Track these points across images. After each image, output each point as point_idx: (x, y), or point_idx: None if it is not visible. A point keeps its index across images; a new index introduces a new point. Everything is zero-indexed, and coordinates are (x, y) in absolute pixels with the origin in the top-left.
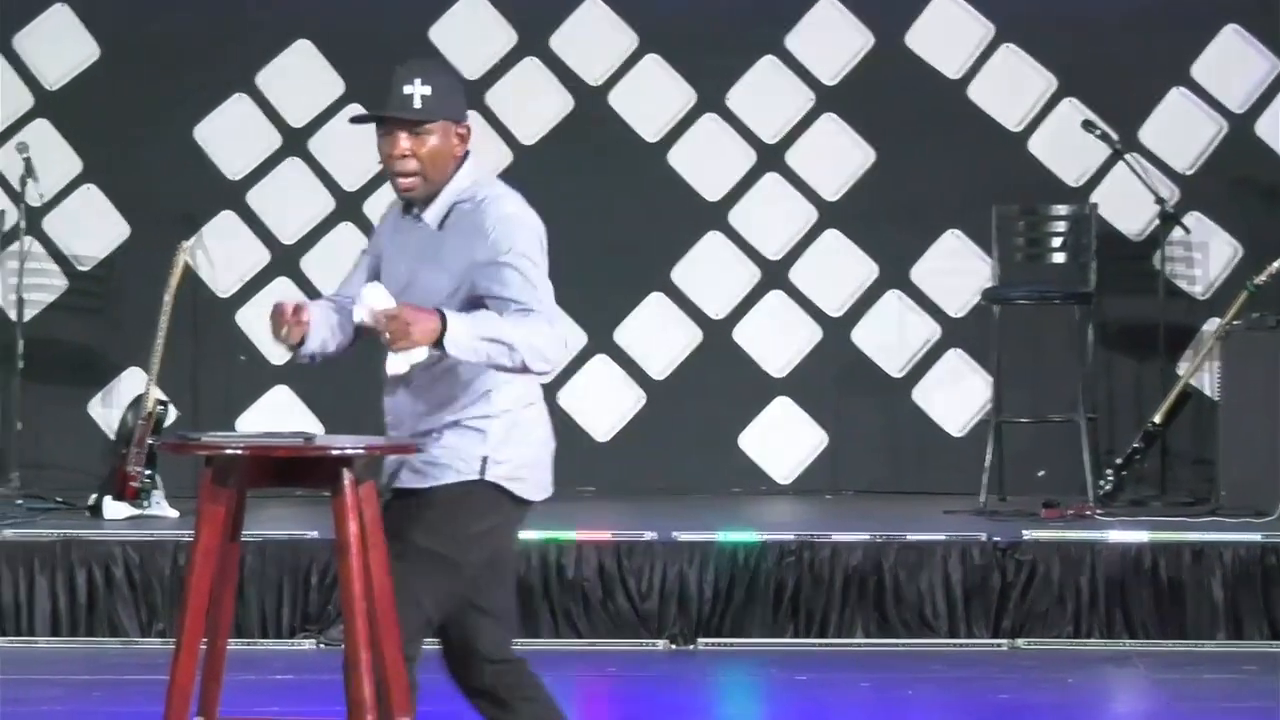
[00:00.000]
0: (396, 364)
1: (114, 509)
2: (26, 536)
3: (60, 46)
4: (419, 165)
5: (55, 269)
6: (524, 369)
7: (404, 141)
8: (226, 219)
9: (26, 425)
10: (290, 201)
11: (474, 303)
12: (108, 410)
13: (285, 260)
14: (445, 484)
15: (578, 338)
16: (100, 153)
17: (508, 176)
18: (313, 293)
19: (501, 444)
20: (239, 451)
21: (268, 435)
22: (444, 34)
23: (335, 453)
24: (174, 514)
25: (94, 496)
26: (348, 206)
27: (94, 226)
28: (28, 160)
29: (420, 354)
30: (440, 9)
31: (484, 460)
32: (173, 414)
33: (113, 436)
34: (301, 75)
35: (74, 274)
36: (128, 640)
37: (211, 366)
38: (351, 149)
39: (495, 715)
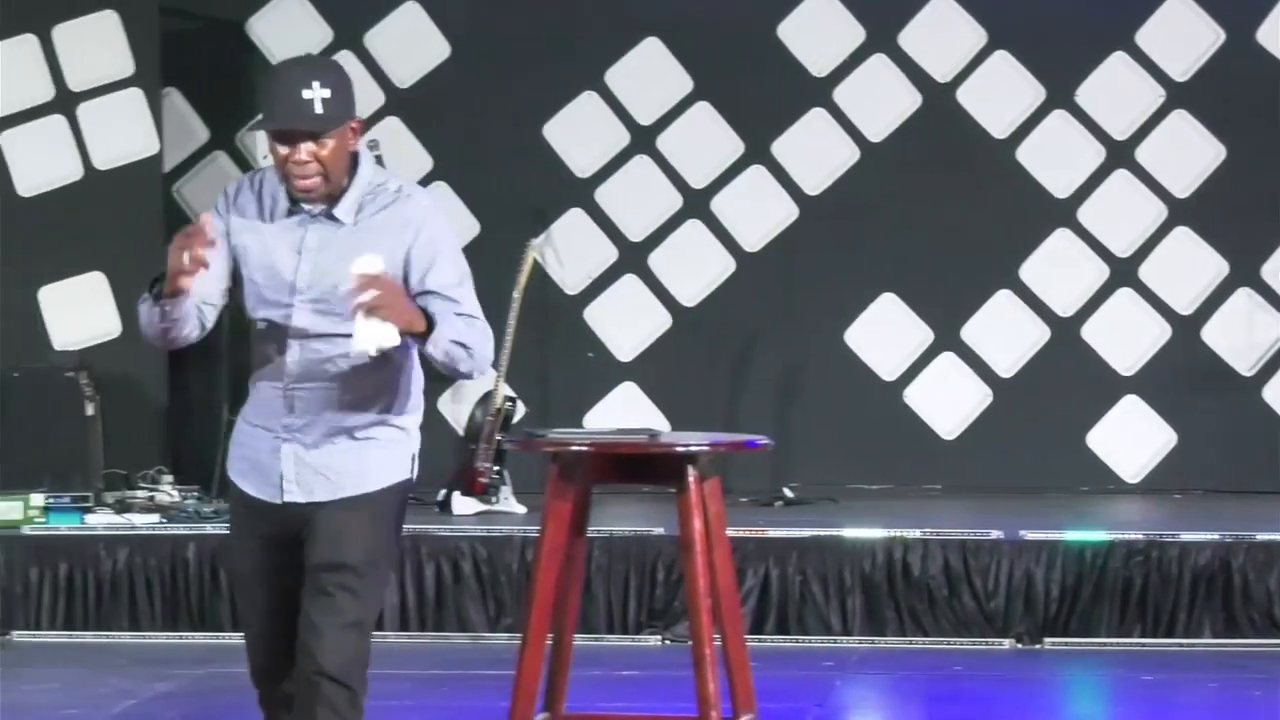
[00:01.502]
0: (363, 343)
1: (462, 505)
2: None
3: (411, 45)
4: (320, 168)
5: None
6: (468, 374)
7: (306, 147)
8: (575, 216)
9: None
10: (638, 198)
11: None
12: (457, 406)
13: (633, 257)
14: (381, 488)
15: None
16: (450, 150)
17: (856, 173)
18: (663, 291)
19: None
20: (585, 448)
21: (614, 432)
22: (792, 31)
23: (680, 450)
24: (521, 510)
25: (443, 492)
26: (695, 203)
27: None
28: (379, 158)
29: (391, 338)
30: (789, 6)
31: (412, 459)
32: (521, 410)
33: (461, 433)
34: (650, 72)
35: None
36: (475, 635)
37: (560, 363)
38: (699, 146)
39: None
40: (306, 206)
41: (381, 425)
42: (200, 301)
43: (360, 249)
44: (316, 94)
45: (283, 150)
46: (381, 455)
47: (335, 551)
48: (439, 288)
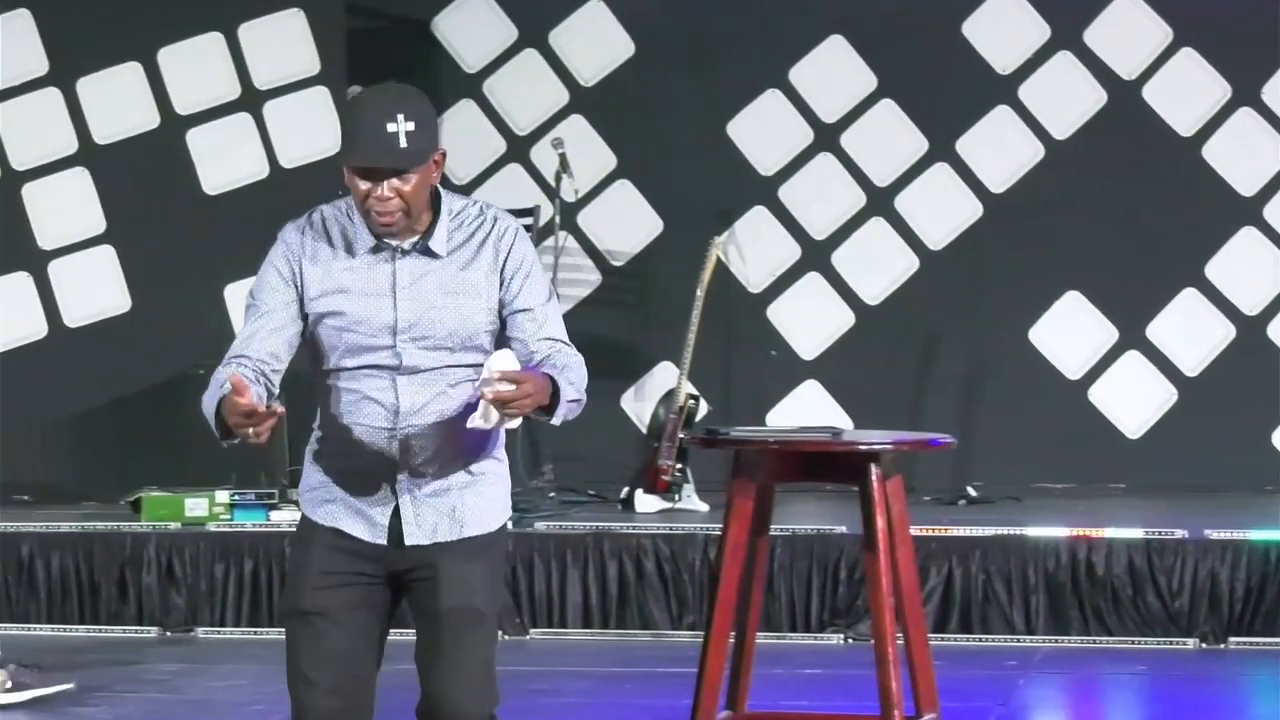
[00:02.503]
0: (479, 423)
1: (645, 502)
2: (559, 529)
3: (595, 43)
4: (403, 204)
5: (589, 264)
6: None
7: (390, 183)
8: (758, 214)
9: None
10: (821, 196)
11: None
12: (640, 404)
13: (816, 255)
14: (499, 527)
15: None
16: (634, 148)
17: (1040, 171)
18: (846, 289)
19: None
20: (767, 446)
21: (797, 430)
22: (977, 28)
23: (863, 448)
24: (704, 508)
25: (625, 489)
26: (879, 201)
27: (628, 222)
28: (563, 156)
29: (515, 421)
30: (974, 3)
31: (508, 506)
32: (704, 408)
33: (644, 430)
34: (834, 70)
35: (608, 269)
36: (658, 633)
37: (743, 361)
38: (883, 144)
39: None
40: (393, 241)
41: (489, 459)
42: (264, 365)
43: (456, 279)
44: (401, 127)
45: (363, 186)
46: (495, 492)
47: (468, 597)
48: (528, 305)
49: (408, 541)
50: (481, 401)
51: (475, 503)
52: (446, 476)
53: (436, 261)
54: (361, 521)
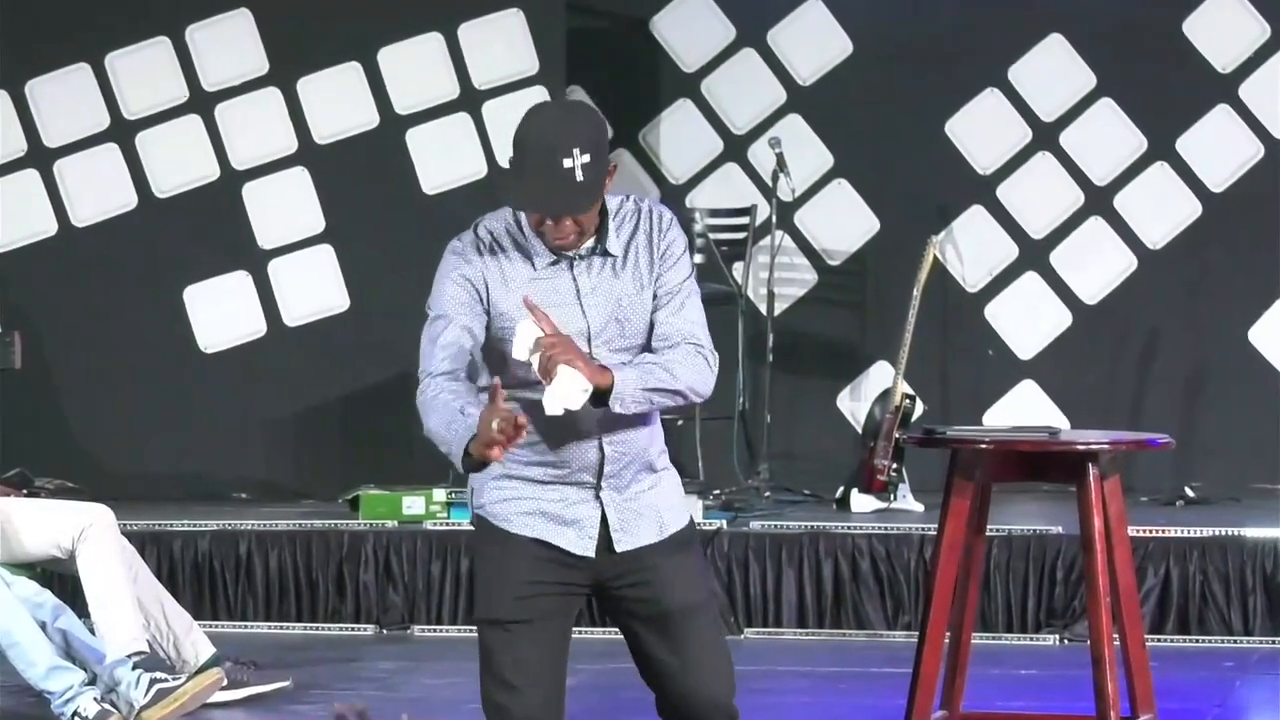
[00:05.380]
0: (552, 406)
1: (861, 502)
2: (774, 528)
3: (813, 42)
4: (578, 228)
5: (805, 263)
6: (683, 408)
7: (569, 219)
8: (976, 213)
9: (775, 418)
10: (1040, 195)
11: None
12: (855, 403)
13: (1034, 254)
14: (680, 529)
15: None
16: (851, 147)
17: (1260, 170)
18: (1064, 289)
19: None
20: (984, 445)
21: (1014, 430)
22: (1197, 27)
23: (1080, 447)
24: (920, 508)
25: (841, 489)
26: (1097, 200)
27: (844, 221)
28: (780, 155)
29: (579, 399)
30: (1195, 2)
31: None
32: (920, 408)
33: (860, 430)
34: (1052, 69)
35: (824, 268)
36: (873, 633)
37: (959, 360)
38: (1102, 143)
39: None
40: (568, 253)
41: (664, 455)
42: (461, 383)
43: (633, 275)
44: (577, 161)
45: (538, 220)
46: (679, 489)
47: (693, 590)
48: (669, 288)
49: (618, 548)
50: (547, 385)
51: (668, 500)
52: (641, 478)
53: (612, 261)
54: (567, 531)
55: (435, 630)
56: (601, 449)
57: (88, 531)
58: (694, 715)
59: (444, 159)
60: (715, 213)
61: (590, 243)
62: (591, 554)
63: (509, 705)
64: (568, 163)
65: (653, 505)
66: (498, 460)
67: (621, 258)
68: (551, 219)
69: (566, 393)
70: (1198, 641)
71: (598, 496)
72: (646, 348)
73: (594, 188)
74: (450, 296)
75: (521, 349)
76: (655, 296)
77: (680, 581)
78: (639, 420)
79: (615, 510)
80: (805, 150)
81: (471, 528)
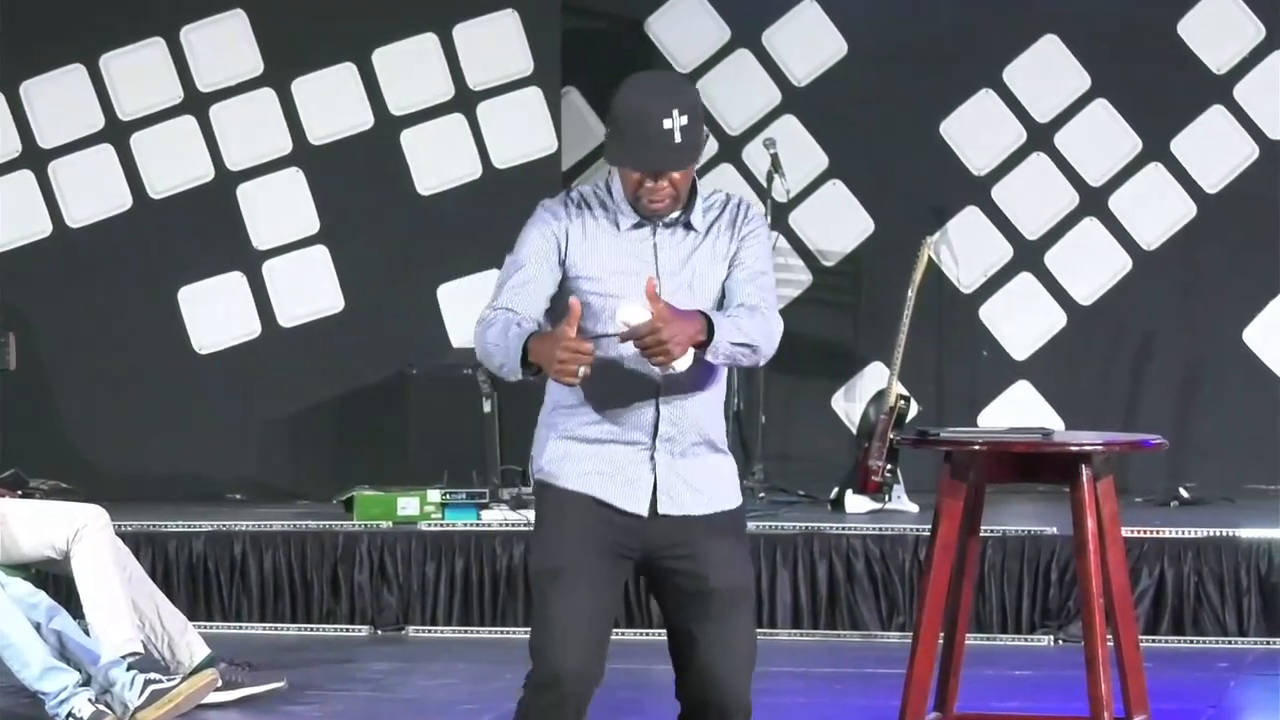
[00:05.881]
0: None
1: (855, 503)
2: (769, 529)
3: (809, 43)
4: (674, 191)
5: (800, 264)
6: (752, 367)
7: (666, 177)
8: (971, 214)
9: (770, 418)
10: (1034, 196)
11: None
12: (850, 404)
13: (1029, 255)
14: (730, 509)
15: None
16: (846, 148)
17: (1254, 171)
18: (1058, 290)
19: None
20: (978, 447)
21: (1008, 431)
22: (1192, 28)
23: (1074, 449)
24: (914, 508)
25: (835, 490)
26: (1092, 201)
27: (839, 221)
28: (775, 156)
29: (686, 360)
30: (1189, 3)
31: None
32: (914, 409)
33: (855, 430)
34: (1047, 70)
35: (819, 269)
36: (867, 634)
37: (954, 361)
38: (1097, 143)
39: None
40: (654, 218)
41: (724, 436)
42: (527, 324)
43: (710, 249)
44: (676, 123)
45: (636, 177)
46: (733, 471)
47: (737, 575)
48: (746, 262)
49: (661, 510)
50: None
51: (720, 478)
52: (697, 448)
53: (693, 235)
54: (624, 489)
55: (430, 631)
56: (658, 409)
57: (82, 532)
58: (713, 696)
59: (439, 160)
60: None
61: (676, 213)
62: (644, 512)
63: (549, 649)
64: (667, 123)
65: (706, 480)
66: (568, 374)
67: (703, 234)
68: (651, 179)
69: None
70: (1192, 642)
71: (652, 458)
72: None
73: (692, 148)
74: (530, 244)
75: (625, 317)
76: (731, 268)
77: (726, 563)
78: (695, 386)
79: (666, 473)
80: (800, 151)
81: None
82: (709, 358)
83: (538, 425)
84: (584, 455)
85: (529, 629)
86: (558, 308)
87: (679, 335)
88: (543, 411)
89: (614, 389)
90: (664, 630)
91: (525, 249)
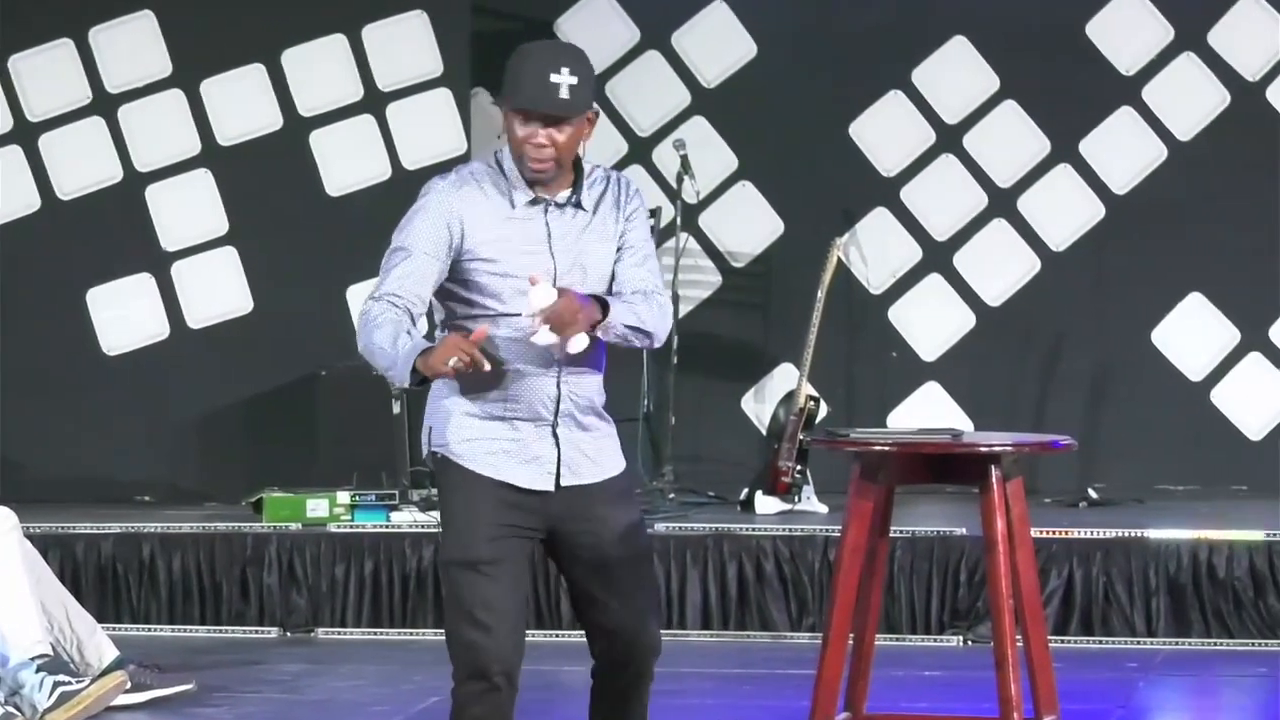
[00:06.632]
0: (545, 339)
1: (765, 504)
2: (678, 530)
3: (718, 45)
4: (555, 152)
5: (710, 265)
6: (645, 348)
7: (546, 130)
8: (880, 215)
9: (680, 419)
10: (943, 197)
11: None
12: (760, 405)
13: (938, 256)
14: (619, 474)
15: None
16: (755, 150)
17: (1163, 172)
18: (967, 291)
19: None
20: (888, 448)
21: (917, 432)
22: (1100, 29)
23: (983, 449)
24: (824, 509)
25: (745, 491)
26: (1001, 202)
27: (749, 223)
28: (684, 157)
29: (582, 341)
30: (1098, 4)
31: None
32: (824, 410)
33: (764, 432)
34: (956, 71)
35: (728, 270)
36: (777, 635)
37: (863, 362)
38: (1006, 145)
39: None
40: (546, 196)
41: (604, 407)
42: (412, 308)
43: (601, 228)
44: (564, 79)
45: (521, 131)
46: (616, 434)
47: (636, 541)
48: (633, 244)
49: (563, 483)
50: (539, 327)
51: (609, 445)
52: (589, 419)
53: (584, 214)
54: (529, 468)
55: (339, 633)
56: (559, 385)
57: None
58: (623, 653)
59: (348, 161)
60: None
61: (566, 193)
62: (551, 488)
63: (480, 642)
64: (555, 78)
65: (599, 449)
66: (448, 375)
67: (591, 213)
68: (533, 131)
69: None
70: (1101, 643)
71: (554, 433)
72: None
73: (575, 106)
74: (417, 229)
75: (537, 302)
76: (619, 250)
77: (624, 531)
78: (591, 363)
79: (568, 447)
80: (710, 152)
81: (374, 529)
82: (600, 334)
83: (431, 398)
84: (490, 433)
85: (444, 622)
86: (469, 288)
87: (582, 314)
88: (437, 384)
89: (517, 367)
90: (574, 631)
91: (412, 235)
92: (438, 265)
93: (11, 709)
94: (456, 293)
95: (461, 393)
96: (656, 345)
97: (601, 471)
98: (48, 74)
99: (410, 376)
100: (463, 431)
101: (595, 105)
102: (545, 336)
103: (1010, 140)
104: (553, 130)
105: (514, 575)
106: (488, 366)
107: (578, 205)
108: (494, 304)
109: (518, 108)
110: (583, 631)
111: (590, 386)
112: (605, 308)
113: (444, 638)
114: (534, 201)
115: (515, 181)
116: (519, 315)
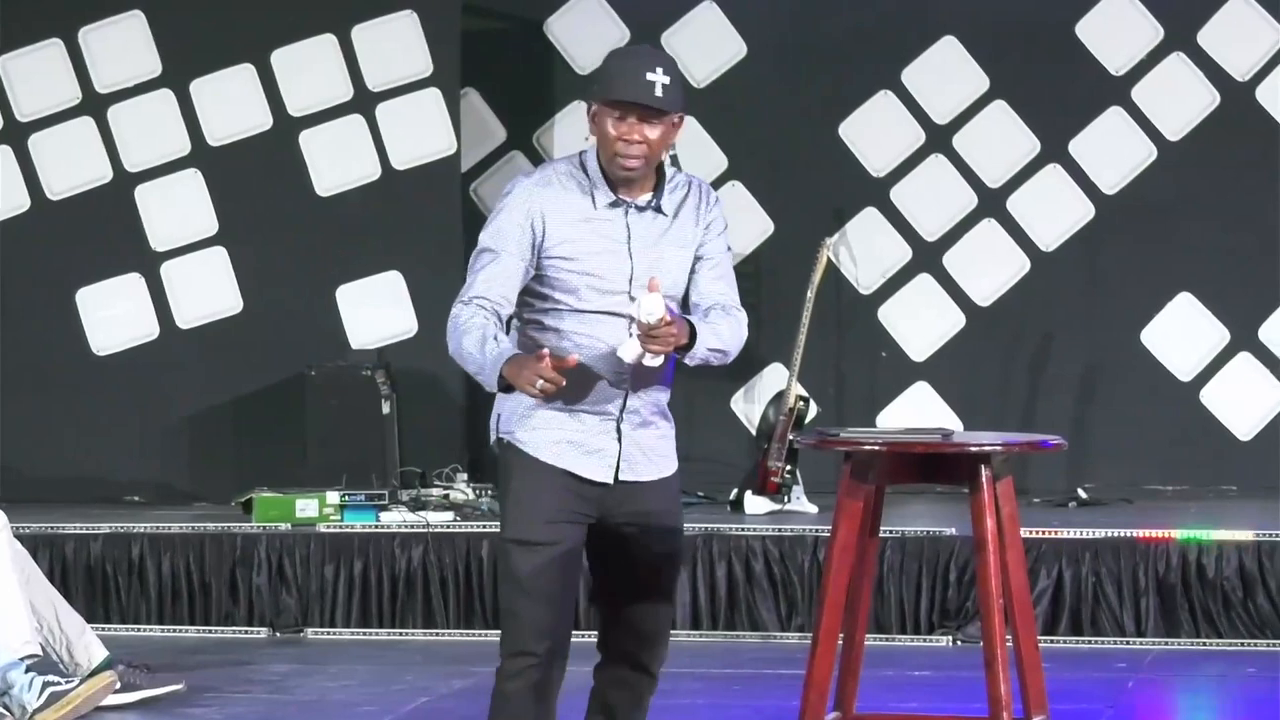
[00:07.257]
0: (628, 356)
1: (755, 504)
2: None
3: (708, 45)
4: (646, 150)
5: None
6: (720, 365)
7: (640, 127)
8: (870, 215)
9: None
10: (933, 197)
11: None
12: (749, 405)
13: (928, 256)
14: (672, 474)
15: None
16: (745, 150)
17: (1153, 172)
18: (957, 291)
19: None
20: (878, 448)
21: (907, 432)
22: (1090, 29)
23: (973, 449)
24: (813, 509)
25: (735, 491)
26: (991, 202)
27: (738, 223)
28: (674, 157)
29: (659, 359)
30: (1087, 4)
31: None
32: (814, 410)
33: (754, 432)
34: (946, 71)
35: None
36: (766, 635)
37: (853, 362)
38: (995, 145)
39: None
40: (627, 198)
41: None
42: (499, 309)
43: (678, 240)
44: (659, 79)
45: (615, 129)
46: (673, 434)
47: (670, 544)
48: (712, 255)
49: (622, 477)
50: (632, 337)
51: (667, 446)
52: (654, 418)
53: (663, 218)
54: (591, 459)
55: (328, 633)
56: (630, 383)
57: None
58: (636, 648)
59: (337, 161)
60: None
61: (647, 196)
62: (610, 480)
63: (527, 613)
64: (651, 77)
65: (655, 447)
66: (536, 396)
67: (671, 218)
68: (628, 127)
69: (638, 352)
70: (1090, 643)
71: (618, 428)
72: (677, 299)
73: (668, 104)
74: (503, 230)
75: (648, 314)
76: (698, 259)
77: (665, 531)
78: (661, 376)
79: (629, 443)
80: (699, 152)
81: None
82: (685, 360)
83: None
84: (556, 424)
85: (498, 600)
86: (547, 283)
87: (679, 336)
88: None
89: (590, 367)
90: (574, 631)
91: (499, 236)
92: (523, 264)
93: (1, 709)
94: (533, 287)
95: None
96: (729, 361)
97: (657, 470)
98: (37, 74)
99: (498, 381)
100: (530, 420)
101: (680, 113)
102: (632, 347)
103: (1000, 140)
104: (645, 127)
105: (568, 558)
106: (564, 382)
107: (658, 209)
108: (570, 300)
109: (614, 99)
110: (583, 631)
111: (657, 389)
112: (692, 331)
113: (434, 638)
114: (615, 203)
115: (597, 181)
116: (595, 313)
